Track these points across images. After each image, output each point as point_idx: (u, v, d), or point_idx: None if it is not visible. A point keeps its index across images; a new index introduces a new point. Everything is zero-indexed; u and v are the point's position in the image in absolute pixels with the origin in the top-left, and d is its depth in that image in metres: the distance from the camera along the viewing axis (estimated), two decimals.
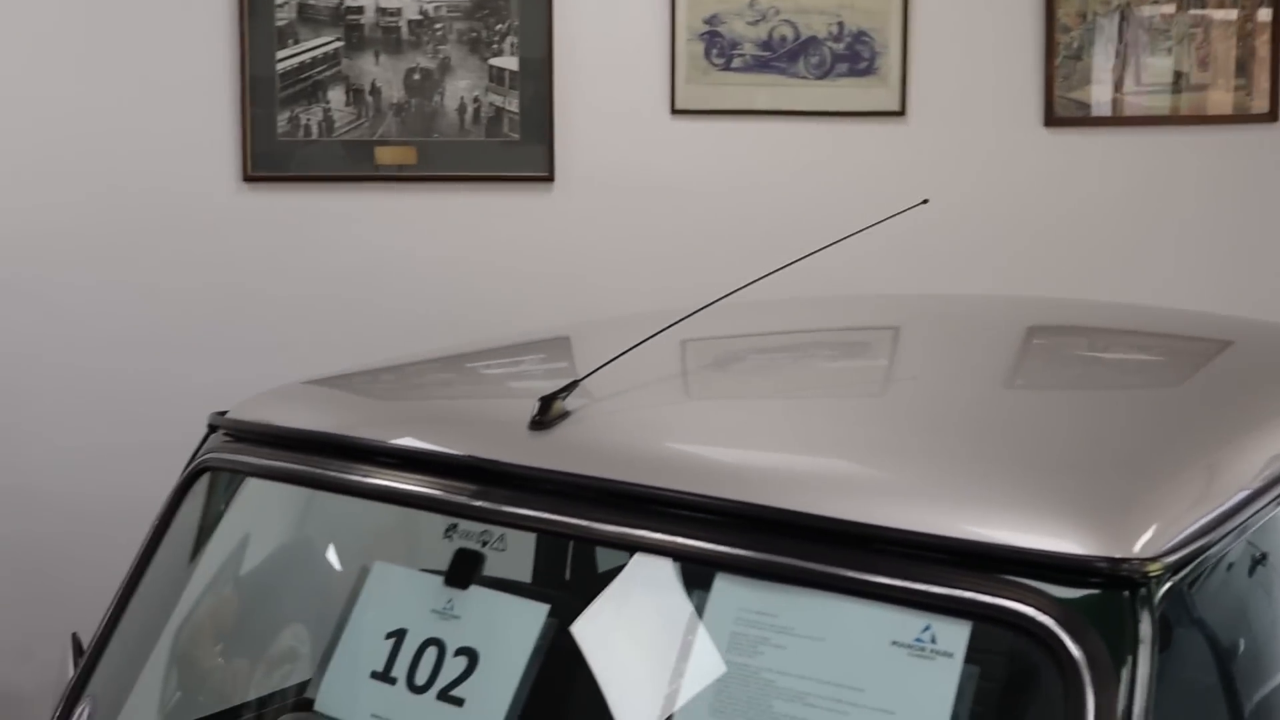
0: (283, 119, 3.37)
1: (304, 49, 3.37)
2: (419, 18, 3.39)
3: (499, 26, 3.40)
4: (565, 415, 1.55)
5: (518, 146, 3.42)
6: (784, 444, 1.52)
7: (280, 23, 3.36)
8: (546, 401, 1.54)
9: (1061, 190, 3.54)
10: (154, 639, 1.97)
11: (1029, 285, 3.42)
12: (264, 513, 2.11)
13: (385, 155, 3.40)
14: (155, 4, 3.35)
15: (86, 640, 2.06)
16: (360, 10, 3.38)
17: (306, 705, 1.60)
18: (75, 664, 1.99)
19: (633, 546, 1.43)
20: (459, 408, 1.91)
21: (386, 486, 1.63)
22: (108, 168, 3.35)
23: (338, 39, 3.38)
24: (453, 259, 3.43)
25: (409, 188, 3.41)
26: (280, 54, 3.36)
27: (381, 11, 3.38)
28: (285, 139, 3.37)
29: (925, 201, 2.19)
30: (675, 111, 3.45)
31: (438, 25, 3.39)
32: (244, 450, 1.85)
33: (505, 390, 2.07)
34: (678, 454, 1.51)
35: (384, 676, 1.52)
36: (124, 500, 3.26)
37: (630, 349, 1.64)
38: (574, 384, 1.58)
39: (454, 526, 1.71)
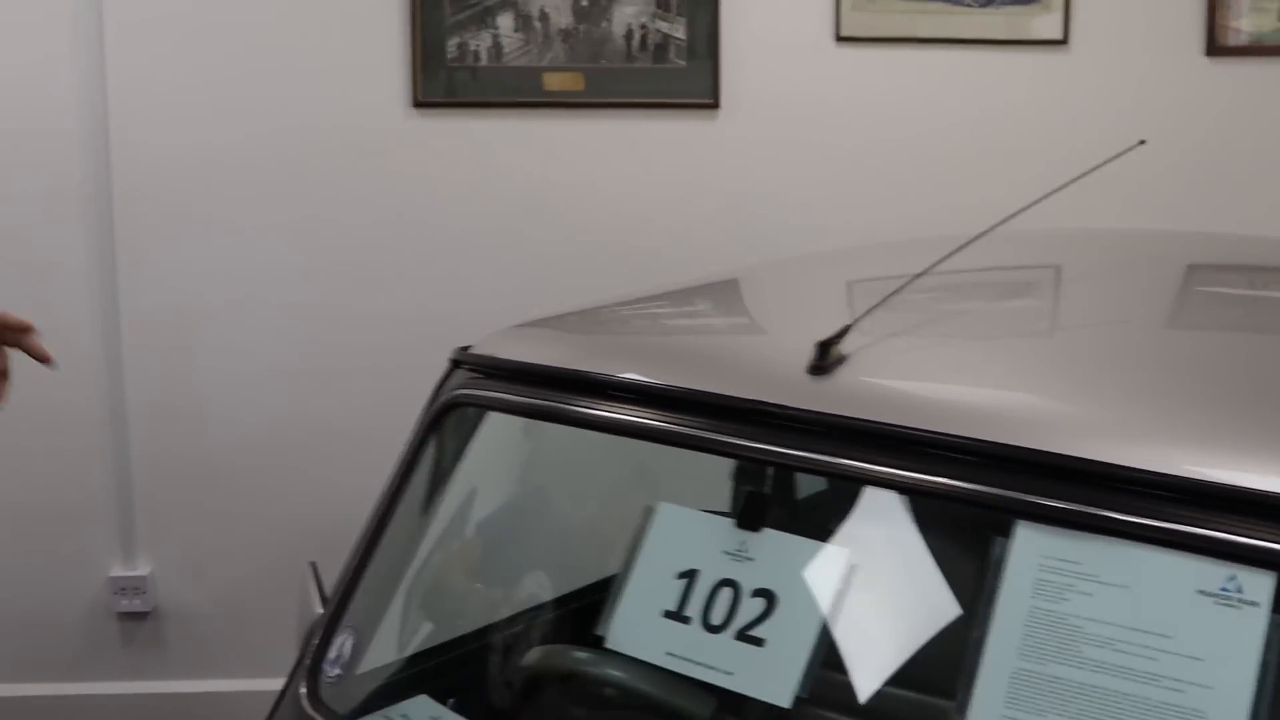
0: (452, 45, 3.40)
1: None
2: None
3: None
4: (842, 359, 1.59)
5: (684, 73, 3.44)
6: (1075, 390, 1.55)
7: None
8: (824, 346, 1.58)
9: (1226, 121, 3.52)
10: (407, 571, 2.03)
11: (1191, 221, 3.41)
12: (517, 449, 2.16)
13: (553, 81, 3.43)
14: None
15: (324, 569, 2.12)
16: None
17: (595, 642, 1.65)
18: (318, 592, 2.05)
19: (927, 494, 1.47)
20: (726, 348, 1.93)
21: (657, 427, 1.67)
22: (279, 95, 3.40)
23: None
24: (619, 185, 3.46)
25: (576, 114, 3.44)
26: None
27: None
28: (455, 65, 3.41)
29: (1142, 143, 2.19)
30: (840, 39, 3.45)
31: None
32: (495, 386, 1.88)
33: (763, 330, 2.10)
34: (966, 399, 1.54)
35: (677, 616, 1.57)
36: (292, 423, 3.37)
37: (898, 290, 1.67)
38: (847, 329, 1.61)
39: (740, 469, 1.75)
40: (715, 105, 3.44)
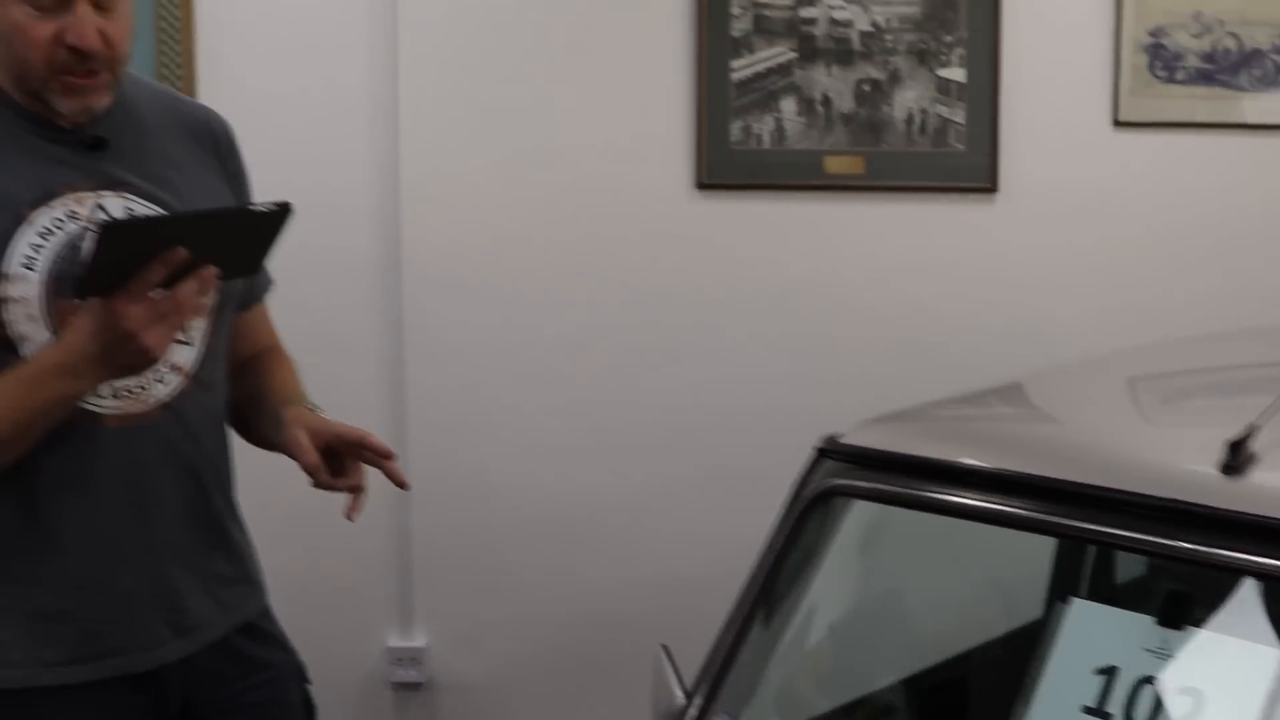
0: (736, 128, 3.47)
1: (758, 59, 3.46)
2: (870, 29, 3.46)
3: (947, 39, 3.46)
4: (1252, 458, 1.60)
5: (962, 157, 3.48)
6: None
7: (736, 34, 3.45)
8: (1236, 445, 1.60)
9: None
10: (778, 658, 2.07)
11: None
12: (890, 538, 2.20)
13: (834, 165, 3.49)
14: (617, 14, 3.45)
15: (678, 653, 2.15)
16: (813, 22, 3.46)
17: None
18: (677, 678, 2.08)
19: None
20: (1115, 443, 1.96)
21: (1055, 522, 1.71)
22: (566, 175, 3.48)
23: (791, 50, 3.46)
24: (897, 268, 3.50)
25: (856, 197, 3.49)
26: (735, 64, 3.46)
27: (834, 23, 3.46)
28: (738, 147, 3.47)
29: None
30: (1118, 124, 3.48)
31: (888, 37, 3.46)
32: (870, 477, 1.92)
33: (1149, 423, 2.14)
34: None
35: (1098, 712, 1.60)
36: (572, 500, 3.42)
37: None
38: (1256, 428, 1.64)
39: (1153, 566, 1.79)
40: (993, 190, 3.48)
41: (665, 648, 2.15)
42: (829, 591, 2.22)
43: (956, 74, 3.47)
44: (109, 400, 1.78)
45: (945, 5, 3.46)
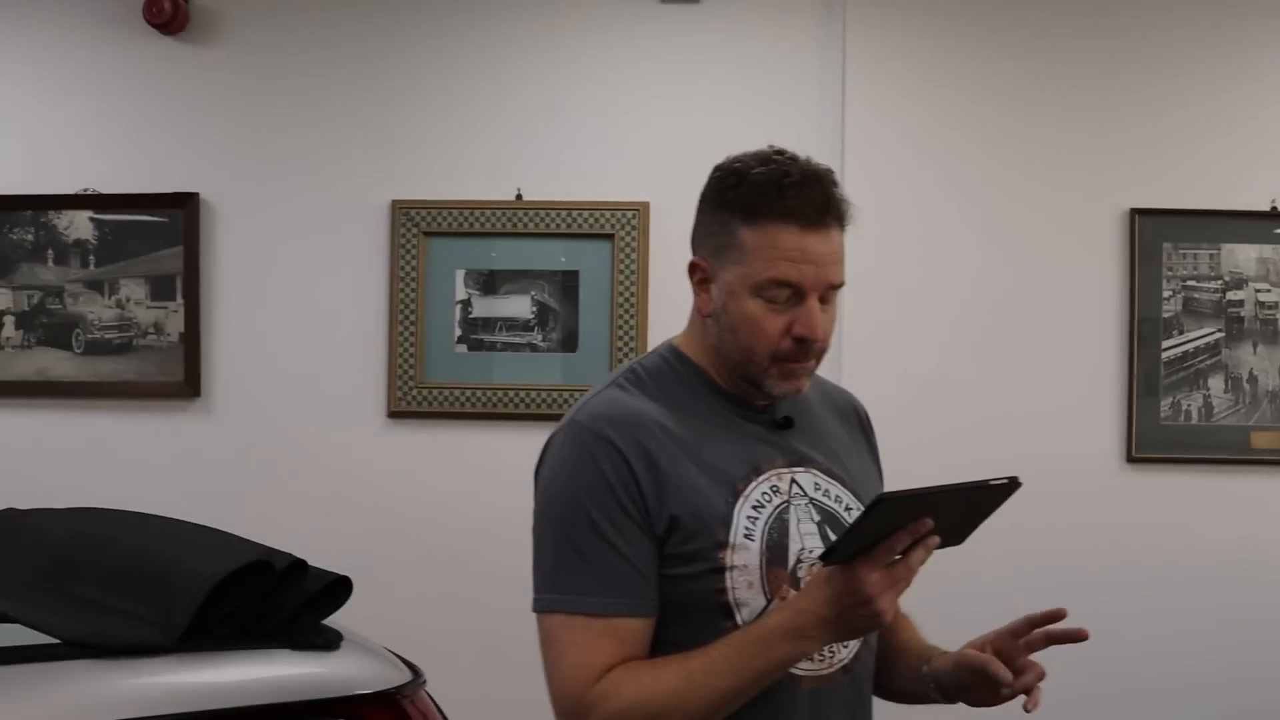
0: (1165, 404, 3.58)
1: (1188, 339, 3.59)
2: None
3: None
4: None
5: None
6: None
7: (1166, 314, 3.58)
8: None
9: None
10: None
11: None
12: None
13: (1260, 440, 3.59)
14: (1056, 294, 3.60)
15: None
16: (1240, 304, 3.59)
17: None
18: None
19: None
20: None
21: None
22: (1002, 443, 3.59)
23: (1219, 330, 3.59)
24: None
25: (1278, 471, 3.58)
26: (1165, 344, 3.59)
27: (1261, 305, 3.59)
28: (1167, 423, 3.58)
29: None
30: None
31: None
32: None
33: None
34: None
35: None
36: None
37: None
38: None
39: None
40: None
41: None
42: None
43: None
44: (806, 663, 1.86)
45: None
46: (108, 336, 3.75)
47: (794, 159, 1.83)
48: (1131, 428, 3.60)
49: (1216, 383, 3.60)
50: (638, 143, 3.68)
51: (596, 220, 3.64)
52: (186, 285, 3.71)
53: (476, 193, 3.67)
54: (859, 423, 2.11)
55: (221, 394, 3.73)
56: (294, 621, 2.19)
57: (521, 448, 3.64)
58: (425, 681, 2.28)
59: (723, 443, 1.86)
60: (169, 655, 2.06)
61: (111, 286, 3.75)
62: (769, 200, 1.77)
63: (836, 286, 1.82)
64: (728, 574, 1.79)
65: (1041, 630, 1.85)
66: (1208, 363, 3.61)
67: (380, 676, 2.21)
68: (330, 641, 2.22)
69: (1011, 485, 1.75)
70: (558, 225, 3.65)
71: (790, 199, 1.77)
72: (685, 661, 1.75)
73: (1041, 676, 1.84)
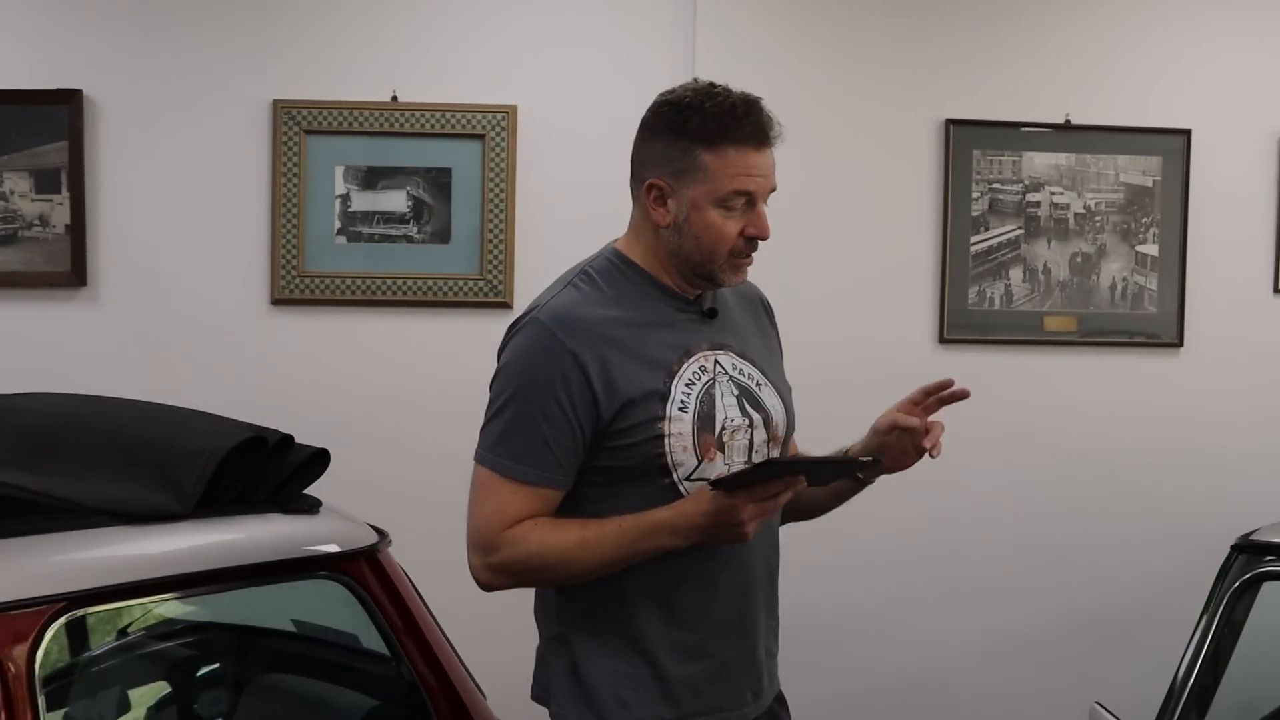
0: (973, 292, 4.09)
1: (992, 235, 4.09)
2: (1083, 211, 4.13)
3: (1144, 220, 4.15)
4: None
5: (1154, 318, 4.16)
6: None
7: (975, 213, 4.08)
8: None
9: None
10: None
11: None
12: None
13: (1051, 323, 4.13)
14: (873, 195, 4.06)
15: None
16: (1038, 205, 4.11)
17: None
18: None
19: None
20: None
21: None
22: (832, 327, 4.05)
23: (1019, 228, 4.11)
24: (1100, 410, 4.16)
25: (1070, 351, 4.14)
26: (973, 239, 4.09)
27: (1055, 205, 4.12)
28: (973, 308, 4.09)
29: None
30: (1278, 290, 4.20)
31: (1097, 218, 4.13)
32: None
33: None
34: None
35: None
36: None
37: None
38: None
39: None
40: (1180, 344, 4.16)
41: (1100, 703, 2.71)
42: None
43: (1151, 249, 4.15)
44: None
45: (1143, 193, 4.14)
46: None
47: (729, 90, 2.24)
48: (943, 313, 4.09)
49: (1016, 274, 4.12)
50: (507, 49, 3.96)
51: (468, 121, 3.93)
52: (71, 179, 3.87)
53: (355, 93, 3.92)
54: (764, 310, 2.54)
55: (108, 283, 3.92)
56: (282, 490, 2.50)
57: (399, 332, 3.98)
58: (391, 541, 2.61)
59: (661, 331, 2.27)
60: (183, 521, 2.34)
61: None
62: (726, 128, 2.18)
63: (773, 191, 2.25)
64: (666, 440, 2.20)
65: (934, 397, 2.31)
66: (1009, 256, 4.12)
67: (360, 536, 2.54)
68: (313, 506, 2.54)
69: (874, 464, 2.20)
70: (432, 126, 3.92)
71: (743, 126, 2.18)
72: (582, 529, 2.18)
73: (942, 430, 2.27)
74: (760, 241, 2.26)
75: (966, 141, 4.08)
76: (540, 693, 2.33)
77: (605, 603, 2.23)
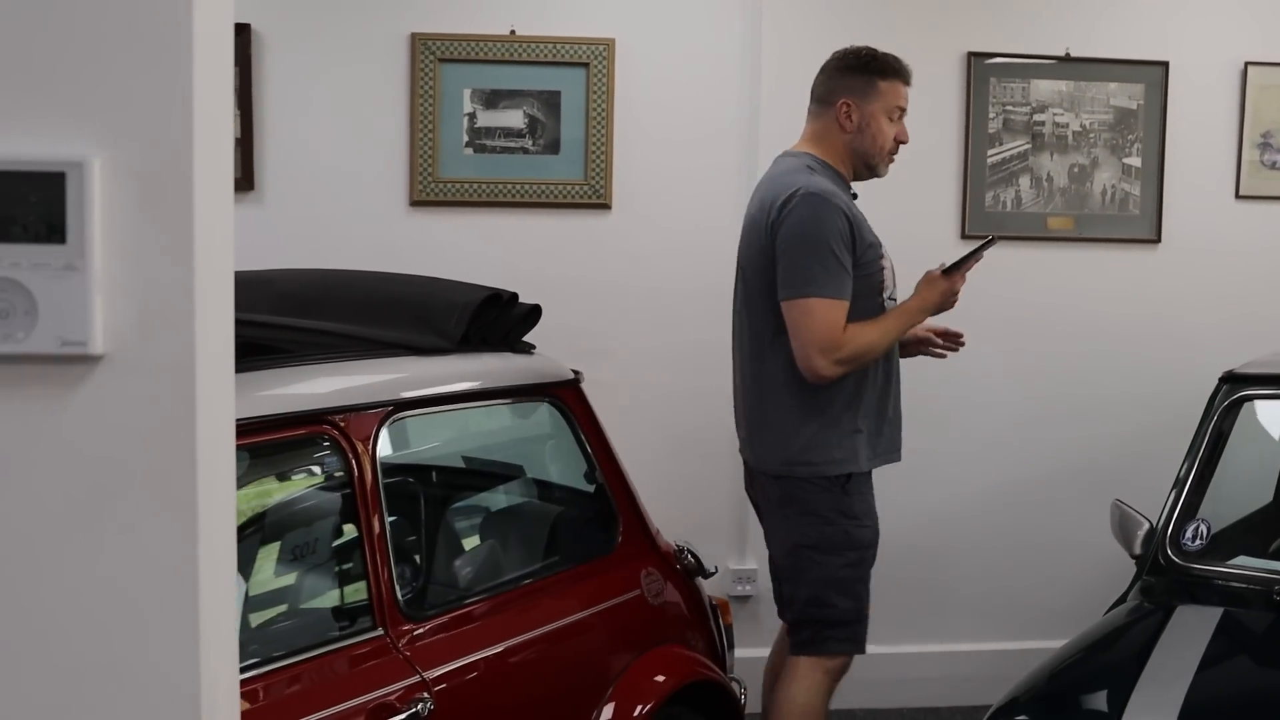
0: (989, 196, 4.93)
1: (1005, 149, 4.93)
2: (1080, 129, 4.97)
3: (1130, 136, 5.00)
4: None
5: (1138, 219, 5.02)
6: None
7: (991, 131, 4.91)
8: None
9: None
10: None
11: None
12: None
13: (1053, 224, 4.98)
14: (913, 115, 4.87)
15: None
16: (1043, 124, 4.95)
17: None
18: (1138, 513, 3.56)
19: None
20: None
21: None
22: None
23: (1027, 143, 4.95)
24: (1094, 295, 5.02)
25: (1068, 246, 4.99)
26: (990, 152, 4.92)
27: (1056, 125, 4.95)
28: (990, 210, 4.93)
29: None
30: (1239, 196, 5.07)
31: (1091, 135, 4.98)
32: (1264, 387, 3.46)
33: None
34: None
35: None
36: None
37: None
38: None
39: None
40: (1158, 241, 5.03)
41: (1120, 500, 3.63)
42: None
43: (1135, 161, 5.00)
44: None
45: (1129, 114, 4.99)
46: None
47: (879, 50, 3.43)
48: (965, 213, 4.92)
49: (1024, 181, 4.96)
50: None
51: (574, 51, 4.71)
52: (241, 99, 4.61)
53: (480, 27, 4.68)
54: None
55: (272, 188, 4.67)
56: (509, 335, 3.30)
57: (516, 229, 4.76)
58: (584, 378, 3.43)
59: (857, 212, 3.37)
60: (448, 355, 3.14)
61: None
62: (892, 68, 3.36)
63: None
64: (884, 271, 3.37)
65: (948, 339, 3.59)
66: (1019, 167, 4.96)
67: (565, 371, 3.35)
68: (531, 348, 3.35)
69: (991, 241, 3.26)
70: (544, 55, 4.70)
71: (902, 69, 3.39)
72: (875, 325, 3.24)
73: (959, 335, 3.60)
74: (902, 145, 3.39)
75: (984, 71, 4.89)
76: (783, 460, 3.38)
77: (852, 392, 3.34)
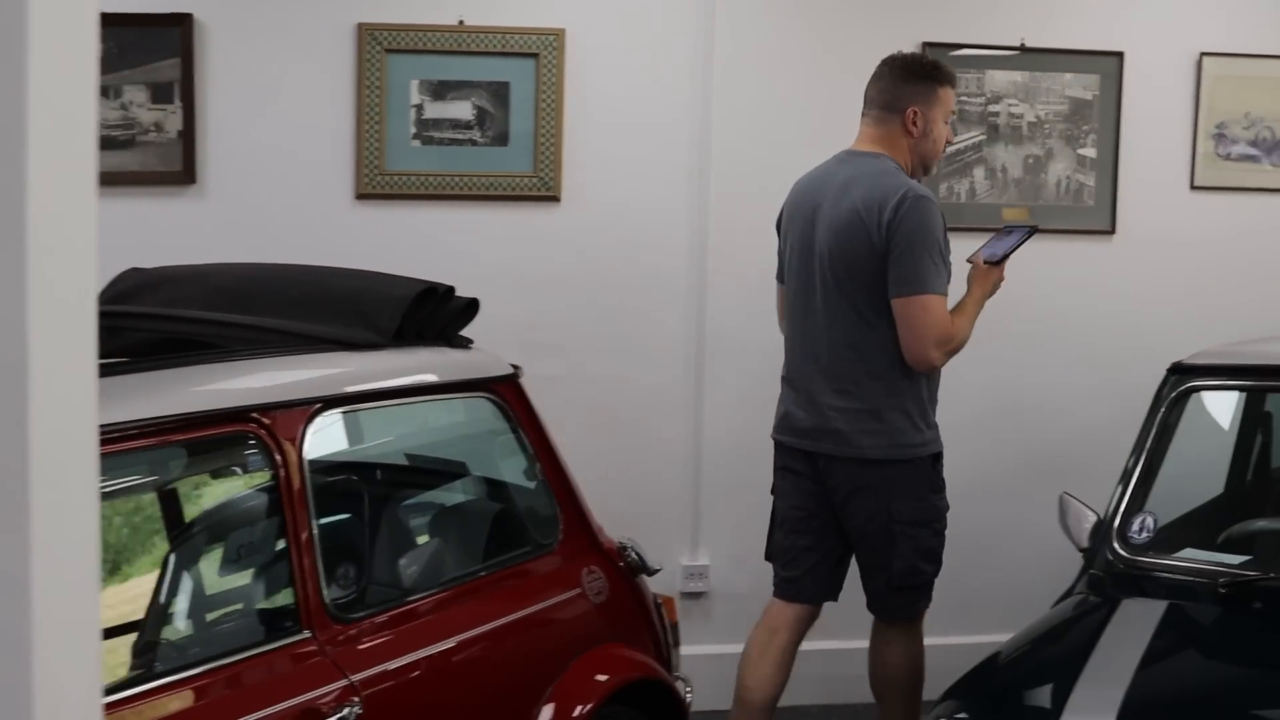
0: (943, 187, 4.89)
1: (960, 140, 4.89)
2: (1035, 120, 4.93)
3: (1085, 127, 4.96)
4: None
5: (1092, 210, 4.99)
6: None
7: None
8: None
9: None
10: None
11: None
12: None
13: (1008, 215, 4.94)
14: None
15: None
16: (997, 115, 4.91)
17: None
18: (1086, 507, 3.53)
19: None
20: None
21: None
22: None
23: (981, 134, 4.91)
24: (1049, 284, 4.99)
25: None
26: None
27: (1011, 115, 4.92)
28: (944, 201, 4.89)
29: None
30: (1194, 187, 5.04)
31: (1046, 126, 4.94)
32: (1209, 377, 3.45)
33: None
34: None
35: None
36: None
37: None
38: None
39: None
40: (1112, 232, 5.00)
41: (1067, 493, 3.61)
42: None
43: (1090, 152, 4.97)
44: None
45: (1084, 105, 4.96)
46: (113, 134, 4.55)
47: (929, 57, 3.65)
48: None
49: (979, 172, 4.92)
50: None
51: (523, 42, 4.65)
52: (183, 90, 4.54)
53: (428, 18, 4.61)
54: None
55: (214, 181, 4.60)
56: (446, 329, 3.25)
57: (464, 222, 4.70)
58: (523, 373, 3.37)
59: None
60: (381, 350, 3.08)
61: (115, 91, 4.54)
62: (948, 76, 3.57)
63: None
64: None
65: None
66: (973, 158, 4.92)
67: (503, 365, 3.30)
68: (468, 343, 3.29)
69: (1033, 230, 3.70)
70: (493, 46, 4.64)
71: (954, 76, 3.61)
72: (965, 316, 3.58)
73: None
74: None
75: (938, 58, 4.84)
76: (888, 445, 3.65)
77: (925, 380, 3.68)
